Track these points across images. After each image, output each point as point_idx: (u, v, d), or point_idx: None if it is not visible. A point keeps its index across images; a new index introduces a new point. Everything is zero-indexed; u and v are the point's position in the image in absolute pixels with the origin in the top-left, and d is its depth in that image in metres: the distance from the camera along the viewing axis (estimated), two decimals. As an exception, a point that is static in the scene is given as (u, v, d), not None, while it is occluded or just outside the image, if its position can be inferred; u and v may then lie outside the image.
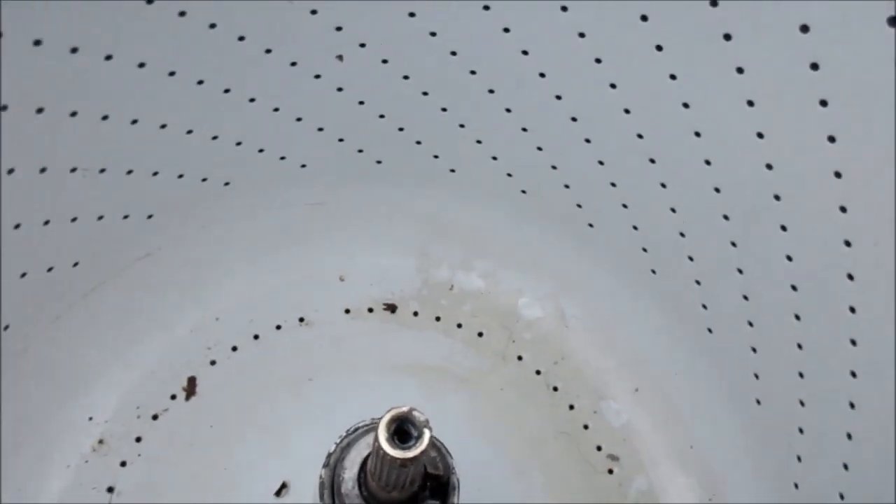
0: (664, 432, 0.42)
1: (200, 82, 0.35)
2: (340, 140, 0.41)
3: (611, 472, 0.41)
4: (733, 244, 0.36)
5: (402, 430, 0.21)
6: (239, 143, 0.39)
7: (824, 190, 0.30)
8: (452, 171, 0.43)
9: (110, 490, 0.37)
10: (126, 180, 0.36)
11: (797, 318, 0.35)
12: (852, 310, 0.31)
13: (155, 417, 0.39)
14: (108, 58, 0.31)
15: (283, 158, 0.41)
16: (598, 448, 0.41)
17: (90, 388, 0.38)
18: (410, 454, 0.21)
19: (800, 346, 0.35)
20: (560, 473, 0.40)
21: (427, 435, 0.21)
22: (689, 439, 0.41)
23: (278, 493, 0.37)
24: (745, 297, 0.37)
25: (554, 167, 0.41)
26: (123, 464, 0.37)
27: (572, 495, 0.39)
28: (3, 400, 0.36)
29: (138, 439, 0.38)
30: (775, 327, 0.36)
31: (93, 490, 0.37)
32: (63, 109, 0.31)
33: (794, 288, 0.34)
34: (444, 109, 0.40)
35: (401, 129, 0.41)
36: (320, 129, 0.40)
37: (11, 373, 0.36)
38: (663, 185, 0.38)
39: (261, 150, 0.40)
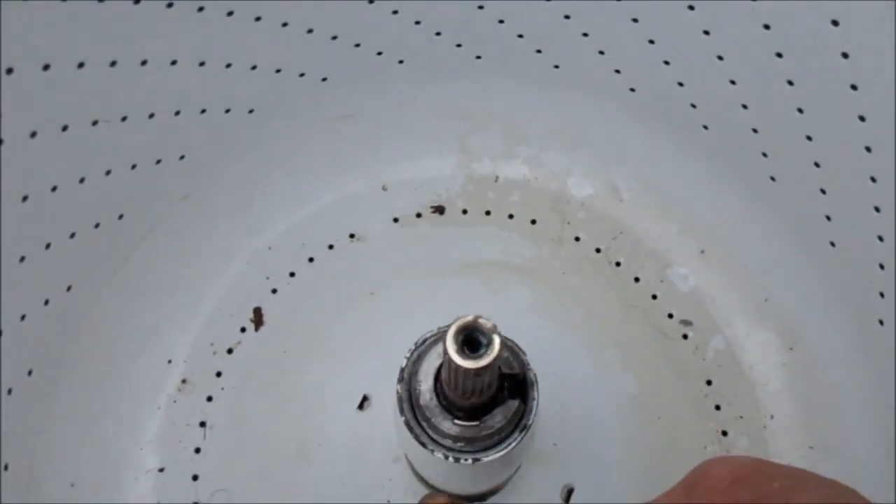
0: (736, 290, 0.41)
1: (230, 13, 0.33)
2: (357, 45, 0.39)
3: (685, 337, 0.40)
4: (790, 83, 0.34)
5: (471, 338, 0.21)
6: (254, 68, 0.37)
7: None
8: (478, 57, 0.41)
9: (202, 424, 0.38)
10: (149, 125, 0.35)
11: (868, 150, 0.32)
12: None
13: (230, 351, 0.40)
14: None
15: (302, 75, 0.39)
16: (670, 316, 0.41)
17: (163, 334, 0.39)
18: (482, 363, 0.20)
19: (873, 180, 0.33)
20: (635, 347, 0.39)
21: (497, 341, 0.20)
22: (762, 293, 0.40)
23: (361, 406, 0.38)
24: (809, 138, 0.35)
25: (585, 34, 0.38)
26: (210, 399, 0.39)
27: (650, 366, 0.39)
28: (85, 358, 0.37)
29: (218, 374, 0.39)
30: (845, 163, 0.34)
31: (186, 427, 0.38)
32: (71, 61, 0.30)
33: (862, 118, 0.32)
34: (459, -8, 0.37)
35: (417, 23, 0.39)
36: (334, 38, 0.38)
37: (87, 330, 0.37)
38: (706, 33, 0.35)
39: (278, 71, 0.38)
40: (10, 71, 0.28)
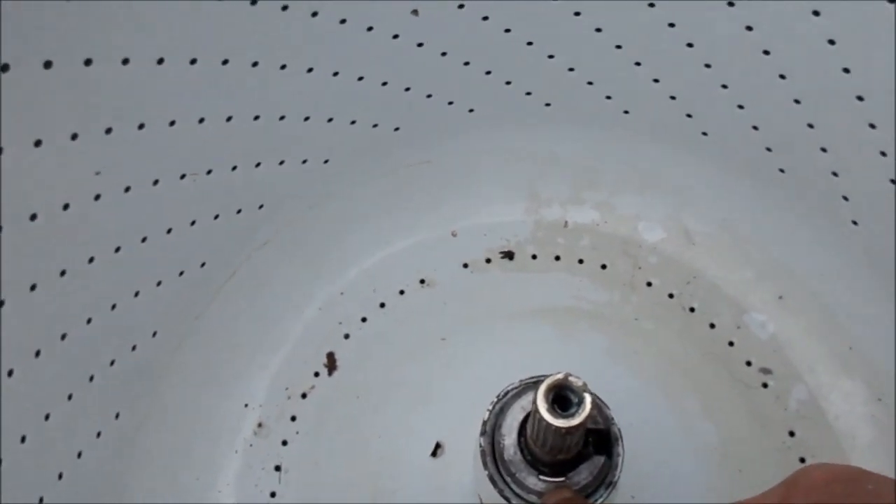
0: (817, 337, 0.39)
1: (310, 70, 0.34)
2: (429, 96, 0.40)
3: (765, 385, 0.39)
4: (871, 126, 0.33)
5: (561, 395, 0.21)
6: (330, 120, 0.38)
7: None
8: (548, 104, 0.41)
9: (277, 469, 0.39)
10: (231, 177, 0.37)
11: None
12: None
13: (304, 396, 0.40)
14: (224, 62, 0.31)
15: (375, 126, 0.40)
16: (748, 363, 0.39)
17: (240, 379, 0.40)
18: (574, 422, 0.20)
19: (966, 227, 0.32)
20: (713, 395, 0.38)
21: (588, 400, 0.20)
22: (846, 340, 0.39)
23: (434, 454, 0.38)
24: (894, 182, 0.34)
25: (656, 80, 0.38)
26: (285, 443, 0.39)
27: (730, 416, 0.38)
28: (168, 402, 0.38)
29: (293, 418, 0.40)
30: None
31: (262, 470, 0.39)
32: (163, 118, 0.32)
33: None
34: (529, 43, 0.38)
35: (488, 73, 0.39)
36: (407, 90, 0.39)
37: (170, 374, 0.39)
38: (782, 77, 0.35)
39: (353, 122, 0.39)
40: (109, 130, 0.30)
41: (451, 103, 0.41)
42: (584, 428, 0.23)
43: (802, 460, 0.37)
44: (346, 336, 0.42)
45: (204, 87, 0.33)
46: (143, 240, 0.34)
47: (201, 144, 0.34)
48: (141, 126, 0.31)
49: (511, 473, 0.25)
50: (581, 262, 0.43)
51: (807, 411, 0.38)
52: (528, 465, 0.24)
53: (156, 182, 0.33)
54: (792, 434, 0.38)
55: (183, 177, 0.34)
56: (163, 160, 0.33)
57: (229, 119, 0.35)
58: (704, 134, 0.40)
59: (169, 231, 0.35)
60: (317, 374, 0.41)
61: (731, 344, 0.40)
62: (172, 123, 0.32)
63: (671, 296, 0.41)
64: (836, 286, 0.39)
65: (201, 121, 0.33)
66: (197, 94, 0.32)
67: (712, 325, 0.41)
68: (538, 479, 0.24)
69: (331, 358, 0.41)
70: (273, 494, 0.38)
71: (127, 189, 0.32)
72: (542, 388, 0.20)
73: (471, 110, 0.41)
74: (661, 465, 0.37)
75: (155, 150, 0.32)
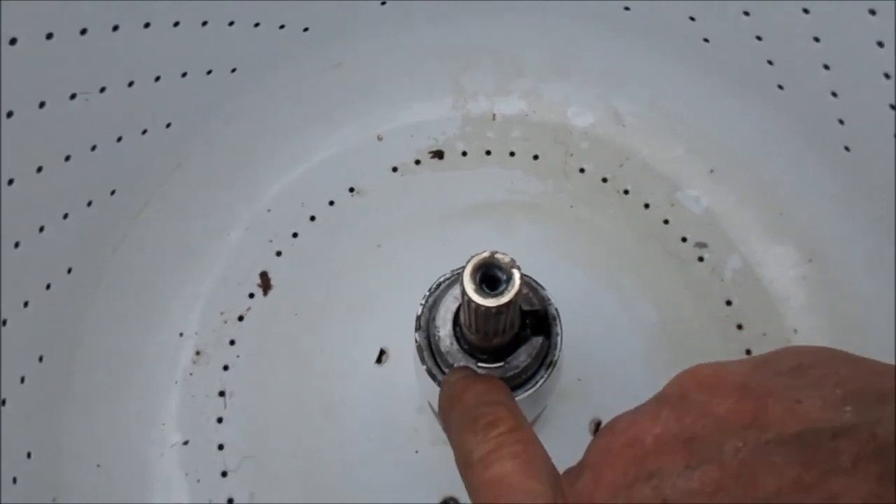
0: (749, 207, 0.40)
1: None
2: (336, -12, 0.37)
3: (701, 259, 0.39)
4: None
5: (489, 275, 0.20)
6: (232, 24, 0.36)
7: None
8: (463, -11, 0.39)
9: (222, 394, 0.38)
10: (129, 94, 0.34)
11: (880, 45, 0.31)
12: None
13: (241, 319, 0.39)
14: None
15: (282, 27, 0.38)
16: (684, 239, 0.40)
17: (171, 309, 0.39)
18: (504, 299, 0.19)
19: (887, 76, 0.31)
20: (651, 274, 0.39)
21: (517, 275, 0.19)
22: (776, 207, 0.39)
23: (379, 360, 0.38)
24: (817, 39, 0.33)
25: (573, -47, 0.36)
26: (226, 367, 0.38)
27: (669, 292, 0.38)
28: (95, 339, 0.37)
29: (232, 342, 0.39)
30: (855, 62, 0.32)
31: (205, 398, 0.38)
32: (39, 33, 0.29)
33: (872, 12, 0.30)
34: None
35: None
36: (311, -18, 0.36)
37: (93, 310, 0.37)
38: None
39: (256, 25, 0.36)
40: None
41: (360, -3, 0.38)
42: (518, 308, 0.22)
43: (740, 327, 0.38)
44: (279, 254, 0.40)
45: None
46: (39, 170, 0.31)
47: (87, 59, 0.31)
48: (13, 41, 0.28)
49: (449, 365, 0.24)
50: (512, 154, 0.42)
51: (742, 280, 0.39)
52: (465, 354, 0.24)
53: (42, 104, 0.30)
54: (729, 303, 0.38)
55: (73, 97, 0.32)
56: (46, 78, 0.30)
57: (116, 28, 0.32)
58: (626, 9, 0.38)
59: (67, 158, 0.33)
60: (252, 296, 0.40)
61: (666, 222, 0.40)
62: (50, 36, 0.29)
63: (605, 180, 0.41)
64: (763, 154, 0.39)
65: (83, 32, 0.30)
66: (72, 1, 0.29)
67: (647, 206, 0.40)
68: (477, 366, 0.24)
69: (264, 277, 0.40)
70: (220, 420, 0.37)
71: (9, 114, 0.29)
72: (468, 268, 0.20)
73: (383, 3, 0.39)
74: (604, 347, 0.37)
75: (34, 68, 0.29)
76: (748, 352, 0.38)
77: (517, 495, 0.19)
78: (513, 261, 0.19)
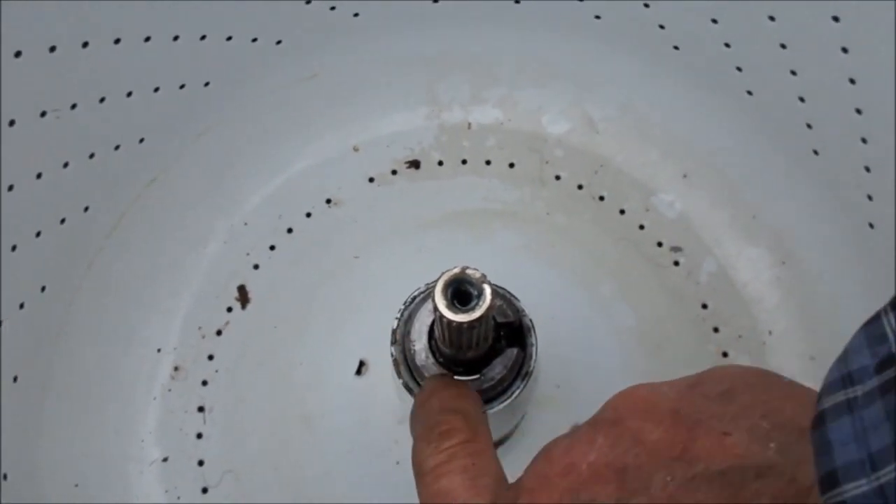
0: (722, 210, 0.40)
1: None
2: (308, 2, 0.37)
3: (677, 263, 0.40)
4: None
5: (460, 291, 0.20)
6: (203, 38, 0.35)
7: None
8: (435, 1, 0.39)
9: (201, 409, 0.38)
10: (100, 110, 0.34)
11: (845, 50, 0.31)
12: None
13: (219, 333, 0.39)
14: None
15: (254, 40, 0.37)
16: (659, 244, 0.40)
17: (148, 323, 0.38)
18: (475, 315, 0.19)
19: (852, 81, 0.32)
20: (628, 279, 0.39)
21: (487, 291, 0.20)
22: (749, 210, 0.40)
23: (359, 372, 0.38)
24: (783, 46, 0.34)
25: (543, -37, 0.37)
26: (205, 383, 0.38)
27: (645, 296, 0.39)
28: (72, 357, 0.36)
29: (210, 357, 0.39)
30: (822, 68, 0.33)
31: (185, 413, 0.38)
32: (7, 51, 0.29)
33: (836, 19, 0.31)
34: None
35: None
36: (283, -4, 0.36)
37: (69, 328, 0.36)
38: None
39: (229, 38, 0.36)
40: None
41: (333, 9, 0.38)
42: (491, 321, 0.23)
43: (716, 330, 0.38)
44: (256, 267, 0.40)
45: (52, 9, 0.29)
46: (10, 188, 0.31)
47: (56, 76, 0.31)
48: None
49: (425, 378, 0.24)
50: (488, 162, 0.42)
51: (717, 283, 0.39)
52: (441, 368, 0.24)
53: (12, 123, 0.30)
54: (705, 306, 0.39)
55: (44, 114, 0.31)
56: (15, 97, 0.30)
57: (85, 45, 0.31)
58: (597, 17, 0.39)
59: (39, 176, 0.32)
60: (230, 310, 0.39)
61: (641, 227, 0.40)
62: (18, 55, 0.29)
63: (580, 187, 0.41)
64: (735, 159, 0.40)
65: (52, 49, 0.30)
66: (41, 17, 0.29)
67: (622, 211, 0.41)
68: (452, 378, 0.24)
69: (242, 291, 0.40)
70: (200, 436, 0.37)
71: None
72: (440, 284, 0.20)
73: (356, 14, 0.39)
74: (582, 353, 0.37)
75: (3, 87, 0.29)
76: (725, 354, 0.38)
77: None
78: (483, 276, 0.20)
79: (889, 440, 0.13)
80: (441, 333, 0.22)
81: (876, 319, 0.14)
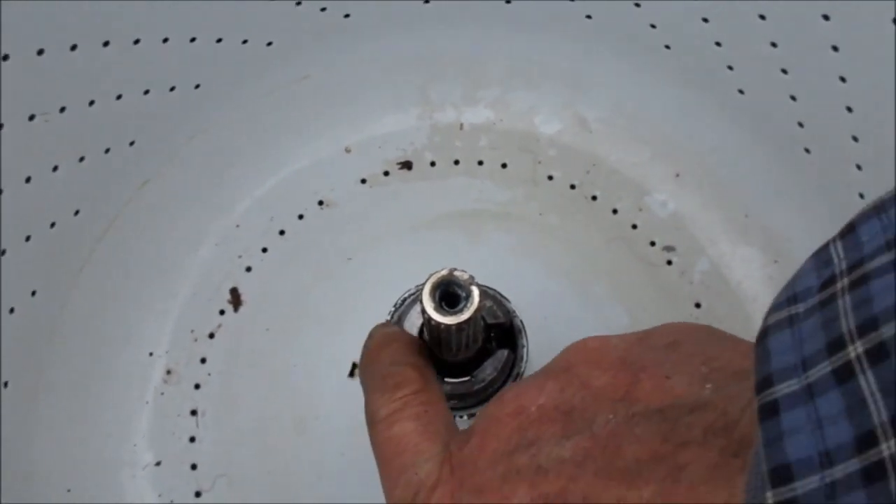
0: (715, 209, 0.40)
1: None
2: (298, 3, 0.37)
3: (670, 262, 0.40)
4: (749, -9, 0.33)
5: (448, 293, 0.20)
6: (193, 40, 0.35)
7: None
8: (426, 1, 0.39)
9: (194, 413, 0.38)
10: (90, 113, 0.33)
11: (835, 49, 0.31)
12: None
13: (211, 336, 0.39)
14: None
15: (245, 42, 0.37)
16: (652, 243, 0.40)
17: (140, 327, 0.38)
18: (463, 317, 0.19)
19: (843, 80, 0.32)
20: (621, 279, 0.39)
21: (475, 292, 0.20)
22: (742, 209, 0.40)
23: (352, 374, 0.38)
24: (774, 44, 0.34)
25: (534, -38, 0.37)
26: (197, 386, 0.38)
27: (639, 296, 0.39)
28: (63, 362, 0.36)
29: (203, 360, 0.38)
30: (813, 66, 0.33)
31: (177, 417, 0.37)
32: None
33: (826, 17, 0.31)
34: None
35: (358, -29, 0.37)
36: (273, -3, 0.36)
37: (60, 333, 0.36)
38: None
39: (219, 40, 0.36)
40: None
41: (324, 10, 0.38)
42: (481, 323, 0.23)
43: (709, 329, 0.38)
44: (248, 269, 0.40)
45: (40, 12, 0.29)
46: (-1, 192, 0.31)
47: (45, 79, 0.31)
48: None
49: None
50: (481, 163, 0.42)
51: (710, 282, 0.39)
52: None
53: None
54: (698, 305, 0.39)
55: (32, 118, 0.31)
56: (3, 100, 0.30)
57: (74, 48, 0.31)
58: (588, 17, 0.39)
59: (28, 180, 0.32)
60: (222, 313, 0.39)
61: (634, 227, 0.40)
62: (6, 58, 0.29)
63: (573, 186, 0.41)
64: (727, 158, 0.40)
65: (40, 52, 0.30)
66: (30, 20, 0.29)
67: (615, 211, 0.41)
68: (443, 381, 0.24)
69: (235, 293, 0.40)
70: (192, 439, 0.37)
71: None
72: (427, 287, 0.20)
73: (346, 15, 0.39)
74: (576, 353, 0.37)
75: (-8, 91, 0.29)
76: (718, 353, 0.38)
77: (410, 454, 0.20)
78: (471, 278, 0.20)
79: (821, 345, 0.13)
80: (430, 335, 0.21)
81: (824, 248, 0.15)
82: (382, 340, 0.23)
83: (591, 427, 0.18)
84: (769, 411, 0.13)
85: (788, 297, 0.15)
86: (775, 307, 0.15)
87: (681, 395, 0.18)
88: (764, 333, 0.15)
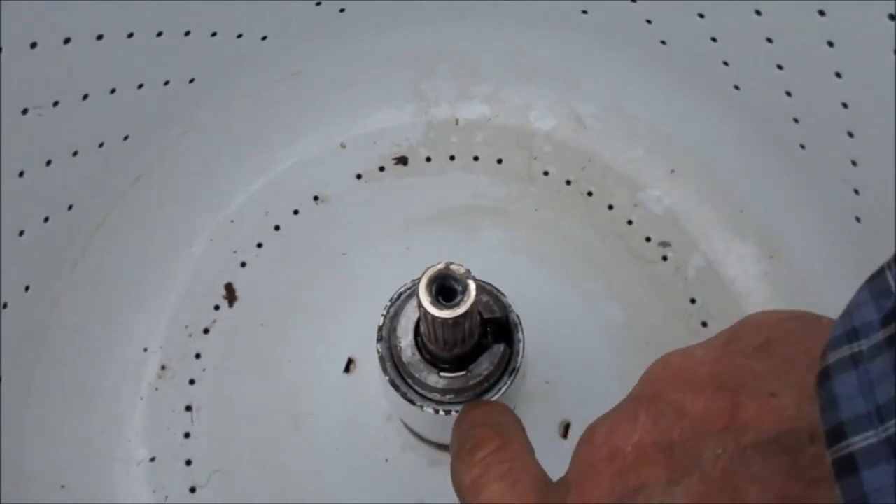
0: (709, 205, 0.40)
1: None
2: (293, -3, 0.37)
3: (665, 258, 0.40)
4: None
5: (445, 287, 0.20)
6: (188, 34, 0.35)
7: None
8: (422, -5, 0.39)
9: (188, 409, 0.37)
10: (84, 107, 0.33)
11: (830, 45, 0.31)
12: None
13: (206, 332, 0.39)
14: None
15: (240, 36, 0.37)
16: (647, 239, 0.40)
17: (134, 323, 0.38)
18: (460, 311, 0.19)
19: (839, 75, 0.32)
20: (616, 275, 0.39)
21: (472, 286, 0.20)
22: (736, 205, 0.40)
23: (347, 369, 0.38)
24: (769, 40, 0.34)
25: (530, -42, 0.37)
26: (192, 382, 0.38)
27: (634, 292, 0.39)
28: (57, 357, 0.36)
29: (198, 356, 0.38)
30: (808, 63, 0.33)
31: (172, 413, 0.37)
32: None
33: (821, 13, 0.31)
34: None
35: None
36: (268, -9, 0.36)
37: (53, 328, 0.36)
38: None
39: (213, 34, 0.36)
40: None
41: (318, 4, 0.38)
42: (477, 317, 0.23)
43: (704, 325, 0.38)
44: (243, 264, 0.40)
45: (33, 6, 0.29)
46: (-10, 187, 0.31)
47: (38, 73, 0.30)
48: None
49: (411, 375, 0.24)
50: (476, 159, 0.42)
51: (705, 278, 0.39)
52: (427, 364, 0.24)
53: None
54: (693, 301, 0.39)
55: (25, 111, 0.31)
56: (-4, 95, 0.29)
57: (67, 41, 0.31)
58: (584, 13, 0.39)
59: (21, 174, 0.32)
60: (217, 308, 0.39)
61: (629, 223, 0.40)
62: (-1, 51, 0.29)
63: (568, 182, 0.41)
64: (722, 154, 0.40)
65: (33, 45, 0.30)
66: (23, 14, 0.29)
67: (610, 207, 0.41)
68: (439, 376, 0.24)
69: (229, 289, 0.40)
70: (187, 435, 0.37)
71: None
72: (424, 280, 0.20)
73: (342, 10, 0.39)
74: (571, 348, 0.37)
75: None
76: (713, 349, 0.38)
77: None
78: (468, 271, 0.20)
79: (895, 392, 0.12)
80: (426, 330, 0.21)
81: (879, 274, 0.13)
82: (466, 409, 0.23)
83: (700, 466, 0.16)
84: (846, 468, 0.12)
85: (847, 331, 0.13)
86: (834, 343, 0.14)
87: (794, 417, 0.16)
88: (826, 374, 0.13)
